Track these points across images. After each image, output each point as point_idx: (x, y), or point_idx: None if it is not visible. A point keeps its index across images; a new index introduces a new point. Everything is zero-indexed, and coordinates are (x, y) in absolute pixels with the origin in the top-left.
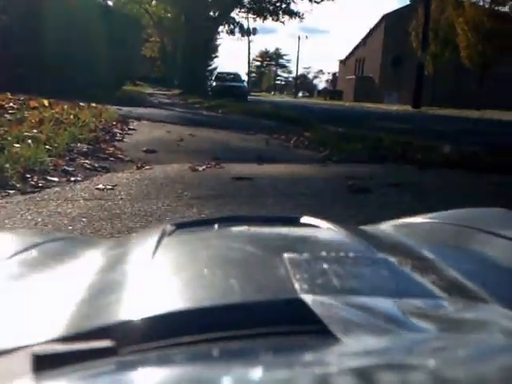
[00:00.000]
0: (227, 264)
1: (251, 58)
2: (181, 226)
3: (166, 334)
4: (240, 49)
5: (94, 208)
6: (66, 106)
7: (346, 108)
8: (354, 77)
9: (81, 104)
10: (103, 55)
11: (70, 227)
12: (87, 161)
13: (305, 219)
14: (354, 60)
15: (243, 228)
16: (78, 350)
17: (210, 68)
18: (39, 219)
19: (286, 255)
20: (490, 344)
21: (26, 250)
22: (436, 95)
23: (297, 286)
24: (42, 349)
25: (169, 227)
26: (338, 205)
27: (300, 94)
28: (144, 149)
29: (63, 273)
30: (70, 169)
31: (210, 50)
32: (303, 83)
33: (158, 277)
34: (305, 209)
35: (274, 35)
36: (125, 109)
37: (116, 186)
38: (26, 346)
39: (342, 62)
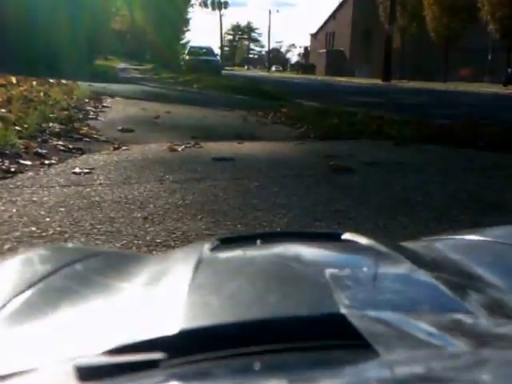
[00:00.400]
0: (269, 279)
1: (223, 32)
2: (223, 242)
3: (208, 347)
4: (211, 23)
5: (72, 195)
6: (34, 83)
7: (319, 82)
8: (325, 51)
9: (51, 81)
10: (72, 29)
11: (48, 219)
12: (61, 142)
13: (346, 235)
14: (324, 34)
15: (285, 244)
16: (121, 363)
17: (182, 42)
18: (14, 210)
19: (327, 271)
20: None
21: (69, 264)
22: (404, 68)
23: (338, 301)
24: (85, 361)
25: (211, 242)
26: (324, 187)
27: (273, 68)
28: (120, 127)
29: (106, 288)
30: (43, 151)
31: (182, 23)
32: (276, 57)
33: (201, 291)
34: (291, 193)
35: (245, 8)
36: (97, 85)
37: (93, 169)
38: (70, 359)
39: (313, 36)
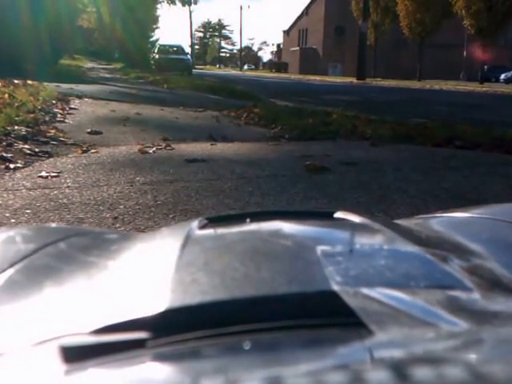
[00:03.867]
0: (259, 257)
1: (193, 30)
2: (212, 220)
3: (196, 326)
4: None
5: (39, 198)
6: None
7: (293, 81)
8: (298, 48)
9: (15, 81)
10: (36, 28)
11: (13, 220)
12: (27, 145)
13: (338, 214)
14: (297, 30)
15: (276, 222)
16: (107, 342)
17: (151, 40)
18: None
19: (318, 248)
20: None
21: (52, 243)
22: (378, 67)
23: (330, 278)
24: (71, 340)
25: (199, 221)
26: (299, 187)
27: (245, 67)
28: (88, 130)
29: (91, 266)
30: (8, 155)
31: (151, 20)
32: (248, 55)
33: (188, 269)
34: (266, 192)
35: (215, 4)
36: (64, 86)
37: (61, 172)
38: (55, 339)
39: (286, 33)
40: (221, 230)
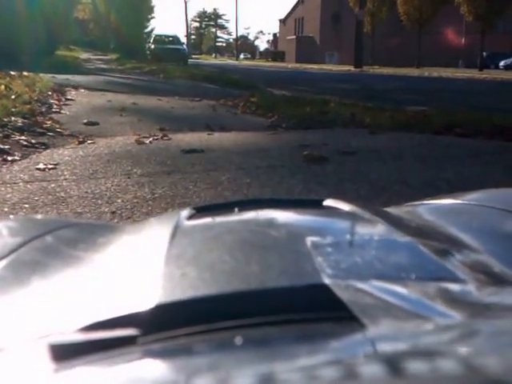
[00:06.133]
0: (249, 249)
1: (189, 19)
2: (200, 210)
3: (186, 321)
4: (177, 10)
5: (37, 192)
6: None
7: (290, 70)
8: (294, 37)
9: (12, 73)
10: (32, 19)
11: (12, 216)
12: (23, 137)
13: (329, 202)
14: (293, 19)
15: (265, 211)
16: (96, 340)
17: (146, 30)
18: None
19: (308, 239)
20: None
21: (39, 236)
22: (376, 54)
23: (321, 271)
24: (60, 338)
25: (187, 211)
26: (298, 178)
27: (242, 56)
28: (84, 121)
29: (79, 260)
30: (5, 147)
31: (147, 10)
32: (244, 44)
33: (178, 262)
34: (264, 184)
35: None
36: (60, 77)
37: (58, 164)
38: (43, 336)
39: (282, 22)
40: (209, 221)
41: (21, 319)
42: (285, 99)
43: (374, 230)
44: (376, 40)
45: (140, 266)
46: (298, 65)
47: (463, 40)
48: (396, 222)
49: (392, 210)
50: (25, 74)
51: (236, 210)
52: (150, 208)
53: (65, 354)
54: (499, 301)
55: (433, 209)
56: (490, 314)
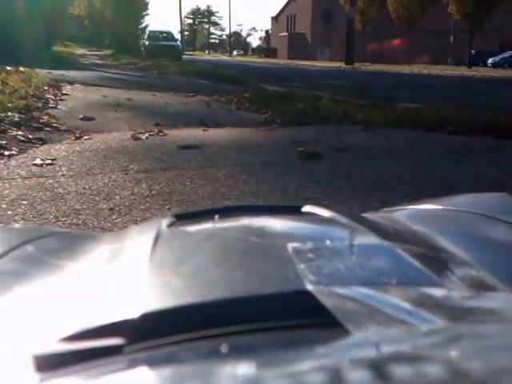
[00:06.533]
0: (231, 256)
1: (183, 16)
2: (180, 217)
3: (171, 330)
4: (170, 7)
5: (34, 188)
6: None
7: (282, 66)
8: (286, 34)
9: (7, 68)
10: (29, 15)
11: (10, 212)
12: (20, 132)
13: (307, 208)
14: (285, 16)
15: (245, 218)
16: (80, 350)
17: (141, 26)
18: None
19: (290, 245)
20: (502, 333)
21: (20, 246)
22: (367, 51)
23: (303, 277)
24: (43, 349)
25: (168, 218)
26: (293, 174)
27: (235, 53)
28: (80, 116)
29: (60, 270)
30: (3, 142)
31: (141, 7)
32: (237, 41)
33: (160, 271)
34: (260, 180)
35: None
36: (56, 72)
37: (55, 160)
38: (27, 348)
39: (274, 19)
40: (190, 228)
41: (3, 330)
42: (278, 95)
43: (355, 235)
44: (366, 37)
45: (123, 274)
46: (289, 61)
47: (452, 38)
48: (375, 228)
49: (370, 215)
50: (21, 69)
51: (216, 217)
52: (148, 205)
53: (49, 364)
54: (480, 305)
55: (411, 214)
56: (471, 319)
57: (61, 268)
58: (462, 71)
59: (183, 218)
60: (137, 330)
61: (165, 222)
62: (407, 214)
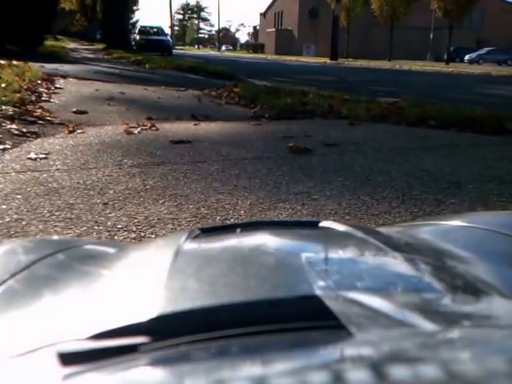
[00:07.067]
0: (247, 265)
1: (173, 12)
2: (204, 231)
3: (187, 330)
4: (160, 2)
5: (29, 182)
6: None
7: (270, 61)
8: (274, 30)
9: (1, 62)
10: (21, 9)
11: (4, 206)
12: (14, 125)
13: (324, 223)
14: (273, 13)
15: (265, 232)
16: (102, 348)
17: (132, 21)
18: None
19: (303, 256)
20: (498, 338)
21: (51, 254)
22: (351, 48)
23: (313, 284)
24: (68, 347)
25: (192, 231)
26: (285, 169)
27: (223, 48)
28: (73, 109)
29: (88, 276)
30: None
31: (132, 2)
32: (226, 36)
33: (180, 277)
34: (252, 175)
35: None
36: (48, 66)
37: (49, 154)
38: (53, 345)
39: (263, 15)
40: (211, 240)
41: (33, 329)
42: (266, 90)
43: (365, 247)
44: (351, 34)
45: (145, 280)
46: (276, 56)
47: (431, 35)
48: (386, 241)
49: (384, 229)
50: (14, 62)
51: (238, 230)
52: (142, 199)
53: (73, 360)
54: (477, 311)
55: (422, 229)
56: (469, 324)
57: (88, 273)
58: (441, 67)
59: (207, 231)
60: (154, 330)
61: (189, 234)
62: (418, 229)
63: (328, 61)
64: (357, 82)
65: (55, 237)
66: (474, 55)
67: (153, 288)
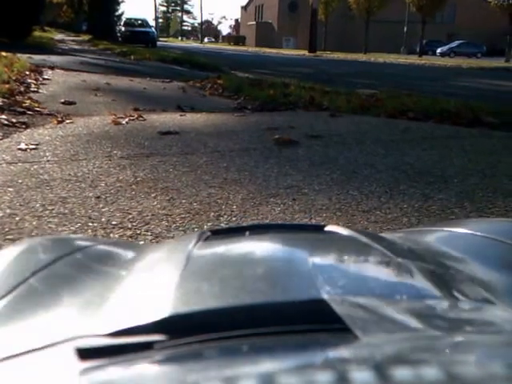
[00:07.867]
0: (256, 268)
1: (157, 4)
2: (214, 233)
3: (199, 330)
4: None
5: (20, 174)
6: None
7: (251, 53)
8: (254, 23)
9: None
10: (8, 1)
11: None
12: (4, 116)
13: (329, 227)
14: (254, 6)
15: (272, 235)
16: (118, 344)
17: (117, 14)
18: None
19: (310, 260)
20: (499, 343)
21: (70, 253)
22: (328, 40)
23: (320, 287)
24: (86, 342)
25: (204, 233)
26: (272, 162)
27: (206, 40)
28: (62, 100)
29: (106, 275)
30: None
31: None
32: (208, 29)
33: (192, 278)
34: (241, 168)
35: None
36: (36, 57)
37: (39, 144)
38: (71, 340)
39: (244, 8)
40: (222, 242)
41: (52, 325)
42: (248, 82)
43: (370, 253)
44: (329, 27)
45: (159, 281)
46: (257, 49)
47: (405, 28)
48: (390, 247)
49: (388, 235)
50: (3, 54)
51: (247, 233)
52: (133, 193)
53: (90, 356)
54: (478, 317)
55: (424, 235)
56: (470, 329)
57: (106, 274)
58: (414, 60)
59: (217, 233)
60: (167, 329)
61: (201, 236)
62: (422, 236)
63: (307, 53)
64: (335, 74)
65: (72, 235)
66: (445, 48)
67: (167, 289)
